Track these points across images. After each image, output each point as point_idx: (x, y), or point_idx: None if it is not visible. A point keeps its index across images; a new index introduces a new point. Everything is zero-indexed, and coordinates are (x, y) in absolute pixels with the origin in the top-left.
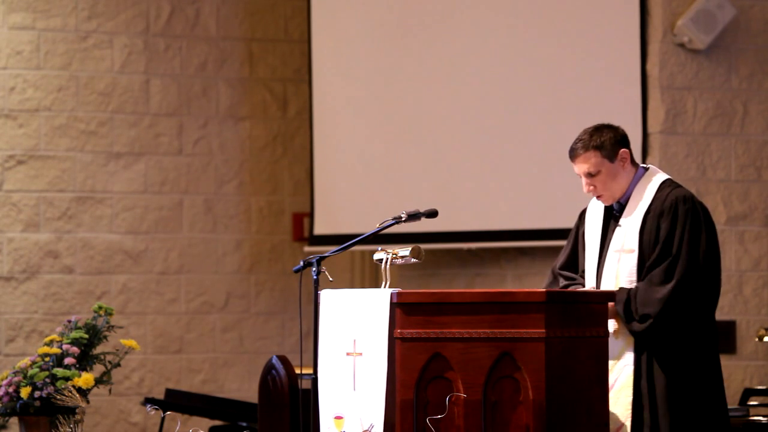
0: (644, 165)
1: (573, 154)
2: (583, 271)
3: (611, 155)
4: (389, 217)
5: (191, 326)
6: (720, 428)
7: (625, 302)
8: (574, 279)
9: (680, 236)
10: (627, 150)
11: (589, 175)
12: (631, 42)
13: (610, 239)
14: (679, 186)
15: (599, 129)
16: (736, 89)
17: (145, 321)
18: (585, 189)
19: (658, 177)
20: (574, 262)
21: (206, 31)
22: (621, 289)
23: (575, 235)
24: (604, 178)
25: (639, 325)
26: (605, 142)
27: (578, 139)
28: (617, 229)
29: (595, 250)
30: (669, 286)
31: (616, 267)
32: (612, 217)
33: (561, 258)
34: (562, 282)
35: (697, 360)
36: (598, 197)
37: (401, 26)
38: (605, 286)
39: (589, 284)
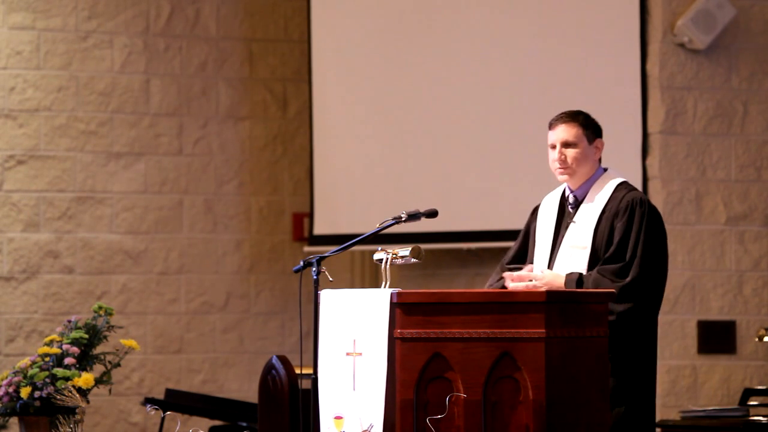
0: (604, 167)
1: (556, 121)
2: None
3: (590, 137)
4: (389, 217)
5: (191, 326)
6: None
7: (577, 280)
8: (520, 268)
9: (636, 240)
10: (602, 142)
11: (566, 144)
12: (631, 42)
13: (563, 235)
14: (634, 189)
15: (585, 113)
16: (736, 89)
17: (145, 321)
18: (555, 157)
19: (615, 179)
20: (522, 258)
21: (206, 31)
22: (571, 272)
23: (526, 231)
24: (578, 154)
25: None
26: (590, 124)
27: (563, 112)
28: (571, 226)
29: (547, 245)
30: (619, 284)
31: (568, 262)
32: (566, 213)
33: (509, 253)
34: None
35: (637, 357)
36: (564, 170)
37: (401, 26)
38: None
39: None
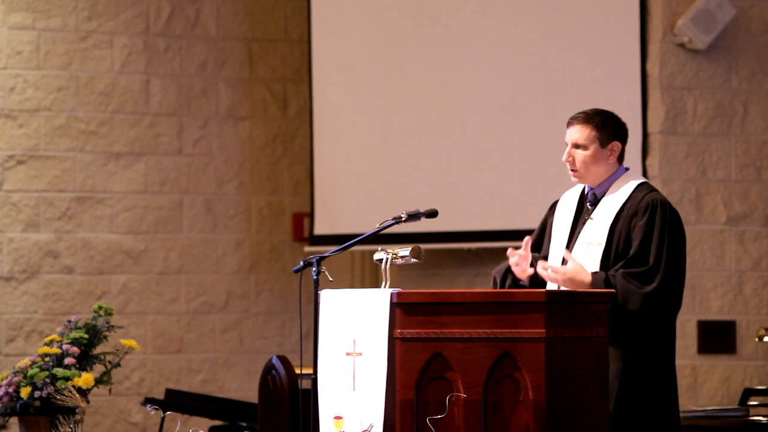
0: (626, 166)
1: (572, 121)
2: (544, 258)
3: (604, 140)
4: (389, 217)
5: (191, 326)
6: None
7: (605, 280)
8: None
9: (659, 244)
10: (620, 144)
11: (576, 145)
12: (631, 42)
13: (580, 231)
14: (654, 190)
15: (606, 114)
16: (736, 89)
17: (145, 321)
18: (564, 157)
19: (636, 179)
20: (536, 251)
21: (206, 31)
22: (597, 271)
23: (542, 225)
24: (587, 157)
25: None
26: (606, 126)
27: (583, 111)
28: (588, 222)
29: (563, 239)
30: (645, 290)
31: (582, 258)
32: (584, 209)
33: None
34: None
35: (655, 358)
36: (572, 171)
37: (401, 26)
38: None
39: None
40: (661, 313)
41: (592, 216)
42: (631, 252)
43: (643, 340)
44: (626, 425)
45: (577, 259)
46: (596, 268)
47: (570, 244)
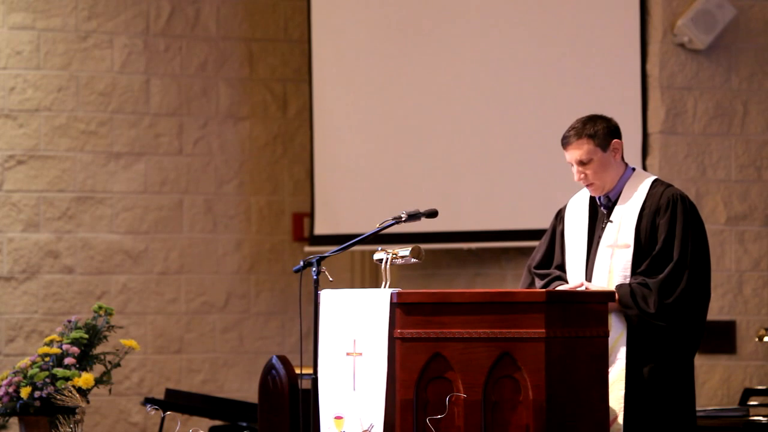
0: (632, 166)
1: (566, 142)
2: (557, 267)
3: (604, 145)
4: (389, 217)
5: (191, 326)
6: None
7: (630, 294)
8: (549, 274)
9: (683, 239)
10: (619, 141)
11: (581, 163)
12: (631, 42)
13: (600, 235)
14: (670, 185)
15: (592, 118)
16: (736, 89)
17: (145, 321)
18: (576, 177)
19: (648, 176)
20: (549, 262)
21: (206, 31)
22: (621, 285)
23: (552, 234)
24: (596, 167)
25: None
26: (598, 131)
27: (571, 128)
28: (609, 225)
29: (582, 246)
30: (677, 292)
31: (609, 262)
32: (599, 214)
33: (537, 257)
34: (539, 282)
35: (686, 357)
36: (589, 186)
37: (401, 26)
38: (597, 281)
39: (577, 279)
40: (689, 310)
41: (611, 219)
42: (657, 248)
43: (674, 341)
44: (643, 424)
45: (602, 263)
46: (627, 270)
47: (590, 249)
